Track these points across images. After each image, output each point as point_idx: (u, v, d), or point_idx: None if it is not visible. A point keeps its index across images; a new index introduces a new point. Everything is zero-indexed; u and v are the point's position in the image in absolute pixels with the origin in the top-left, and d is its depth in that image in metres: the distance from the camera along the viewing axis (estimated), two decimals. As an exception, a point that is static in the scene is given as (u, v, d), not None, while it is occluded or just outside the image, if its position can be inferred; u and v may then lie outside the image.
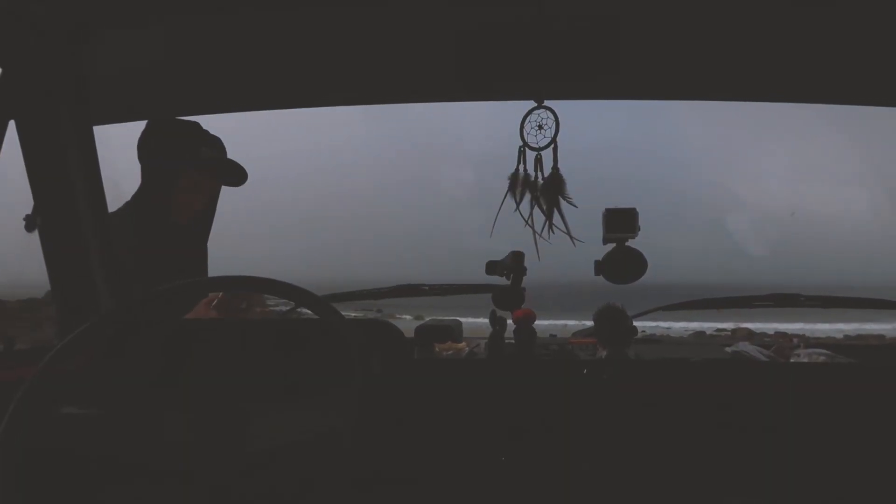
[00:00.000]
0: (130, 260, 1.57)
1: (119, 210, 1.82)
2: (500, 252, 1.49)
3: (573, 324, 1.98)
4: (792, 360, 1.45)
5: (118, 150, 1.84)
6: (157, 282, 1.16)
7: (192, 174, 1.85)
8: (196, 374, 1.25)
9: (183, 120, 1.86)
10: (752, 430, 1.20)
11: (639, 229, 1.41)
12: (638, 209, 1.40)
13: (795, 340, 1.58)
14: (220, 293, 1.69)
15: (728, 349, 1.56)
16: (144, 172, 1.87)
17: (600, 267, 1.43)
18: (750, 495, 1.18)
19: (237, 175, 1.94)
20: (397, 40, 1.49)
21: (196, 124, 1.86)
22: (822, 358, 1.43)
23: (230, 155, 1.94)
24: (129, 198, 1.88)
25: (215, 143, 1.90)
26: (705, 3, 1.30)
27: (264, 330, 1.35)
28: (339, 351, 1.04)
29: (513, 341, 1.43)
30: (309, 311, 1.14)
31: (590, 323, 1.56)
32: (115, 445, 1.01)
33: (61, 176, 1.36)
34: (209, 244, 2.04)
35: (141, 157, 1.85)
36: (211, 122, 1.89)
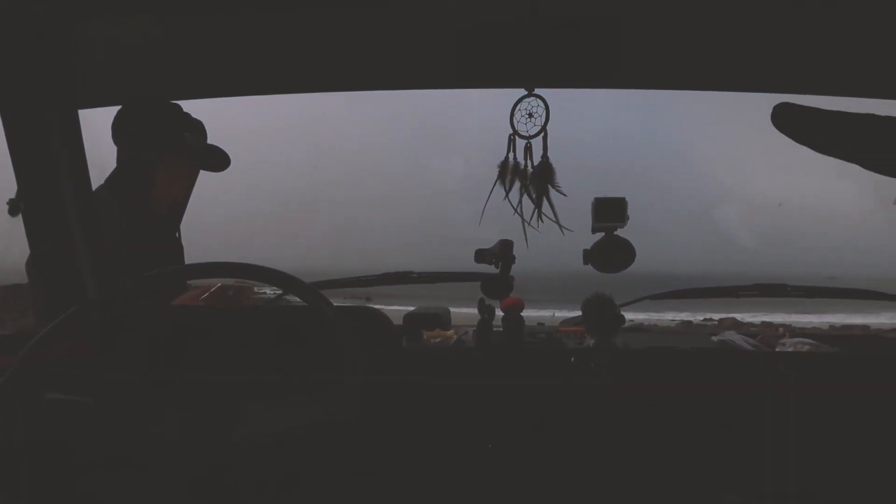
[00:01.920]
0: (112, 248, 1.54)
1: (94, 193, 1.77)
2: (488, 240, 1.49)
3: (561, 312, 1.99)
4: (777, 349, 1.47)
5: (103, 133, 1.80)
6: (137, 270, 1.15)
7: (175, 161, 1.81)
8: (188, 367, 1.24)
9: (164, 104, 1.82)
10: (738, 421, 1.21)
11: (628, 218, 1.41)
12: (627, 199, 1.41)
13: (781, 330, 1.60)
14: (213, 287, 1.67)
15: (714, 338, 1.58)
16: (122, 157, 1.81)
17: (589, 256, 1.43)
18: (744, 492, 1.20)
19: (220, 160, 1.91)
20: (387, 27, 1.48)
21: (178, 108, 1.82)
22: (806, 347, 1.45)
23: (214, 139, 1.90)
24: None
25: (198, 128, 1.87)
26: None
27: (255, 321, 1.34)
28: (331, 341, 1.03)
29: (501, 329, 1.43)
30: (297, 299, 1.13)
31: (578, 312, 1.56)
32: (106, 439, 1.00)
33: (45, 159, 1.34)
34: (193, 232, 2.01)
35: (118, 141, 1.80)
36: (190, 106, 1.85)
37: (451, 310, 1.67)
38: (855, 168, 0.63)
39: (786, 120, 0.64)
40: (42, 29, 1.30)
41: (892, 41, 1.37)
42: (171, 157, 1.80)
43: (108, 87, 1.74)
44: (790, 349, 1.46)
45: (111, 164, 1.79)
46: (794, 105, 0.64)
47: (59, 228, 1.37)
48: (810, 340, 1.48)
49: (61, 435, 1.00)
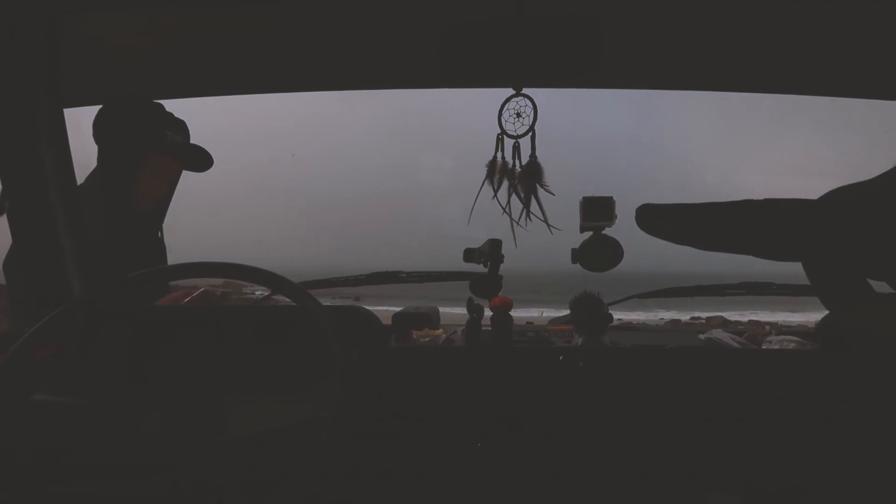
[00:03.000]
0: (95, 246, 1.53)
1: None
2: (477, 240, 1.49)
3: (550, 311, 1.99)
4: (764, 347, 1.48)
5: (88, 132, 1.79)
6: (120, 270, 1.14)
7: (157, 159, 1.80)
8: (173, 365, 1.23)
9: (147, 103, 1.81)
10: (725, 418, 1.22)
11: (616, 218, 1.42)
12: (615, 198, 1.41)
13: (767, 328, 1.61)
14: (197, 291, 1.67)
15: (701, 336, 1.59)
16: (104, 156, 1.80)
17: (577, 255, 1.44)
18: (731, 490, 1.20)
19: (202, 160, 1.90)
20: (375, 27, 1.47)
21: (160, 107, 1.81)
22: (792, 345, 1.46)
23: (196, 140, 1.90)
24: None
25: (180, 127, 1.86)
26: None
27: (242, 319, 1.33)
28: (319, 340, 1.03)
29: (490, 329, 1.43)
30: (285, 299, 1.13)
31: (566, 310, 1.57)
32: (93, 440, 0.99)
33: (30, 159, 1.33)
34: (180, 232, 2.01)
35: (100, 140, 1.79)
36: (172, 106, 1.85)
37: (440, 309, 1.66)
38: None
39: (648, 220, 0.64)
40: (28, 28, 1.28)
41: (890, 41, 1.38)
42: (153, 155, 1.79)
43: (93, 86, 1.73)
44: (776, 346, 1.47)
45: (95, 162, 1.78)
46: (655, 205, 0.64)
47: (45, 227, 1.36)
48: (796, 338, 1.49)
49: (47, 435, 0.99)
